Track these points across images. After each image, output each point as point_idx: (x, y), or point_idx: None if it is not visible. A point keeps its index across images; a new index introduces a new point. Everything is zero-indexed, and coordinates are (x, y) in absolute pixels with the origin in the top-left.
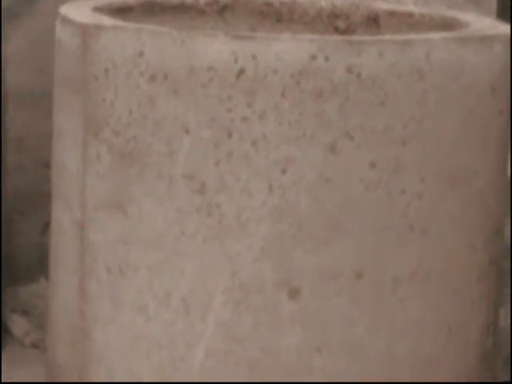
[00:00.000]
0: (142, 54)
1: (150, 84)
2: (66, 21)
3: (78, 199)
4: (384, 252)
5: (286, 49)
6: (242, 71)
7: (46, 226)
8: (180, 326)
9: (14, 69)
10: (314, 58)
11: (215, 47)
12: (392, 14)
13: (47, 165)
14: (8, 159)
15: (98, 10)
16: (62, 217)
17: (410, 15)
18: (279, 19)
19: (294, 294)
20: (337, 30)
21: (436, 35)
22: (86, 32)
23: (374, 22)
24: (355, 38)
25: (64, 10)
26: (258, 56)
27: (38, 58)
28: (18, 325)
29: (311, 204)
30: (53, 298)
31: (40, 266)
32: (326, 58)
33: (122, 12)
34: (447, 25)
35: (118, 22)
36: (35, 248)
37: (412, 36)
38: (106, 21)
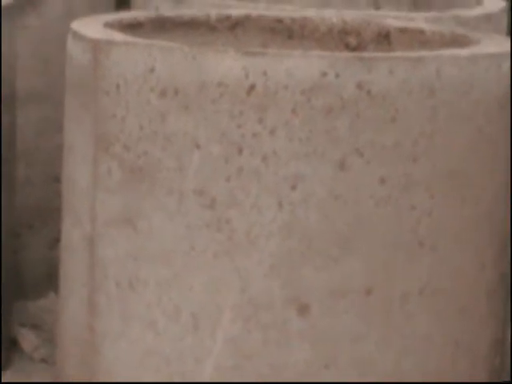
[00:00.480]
0: (152, 70)
1: (161, 99)
2: (77, 36)
3: (88, 214)
4: (393, 268)
5: (297, 65)
6: (252, 87)
7: (55, 240)
8: (189, 341)
9: (23, 81)
10: (324, 74)
11: (226, 63)
12: (403, 30)
13: (57, 179)
14: (17, 173)
15: (109, 25)
16: (71, 231)
17: (421, 32)
18: (290, 36)
19: (303, 310)
20: (347, 47)
21: (446, 52)
22: (97, 47)
23: (384, 38)
24: (366, 54)
25: (75, 25)
26: (269, 72)
27: (49, 71)
28: (27, 339)
29: (321, 220)
30: (62, 312)
31: (49, 280)
32: (337, 75)
33: (132, 28)
34: (458, 42)
35: (129, 38)
36: (44, 262)
37: (423, 53)
38: (117, 36)
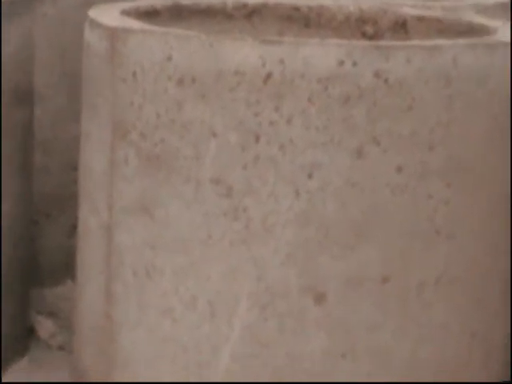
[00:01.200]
0: (169, 58)
1: (178, 88)
2: (95, 24)
3: (105, 202)
4: (410, 257)
5: (314, 54)
6: (269, 75)
7: (73, 228)
8: (206, 329)
9: (40, 72)
10: (341, 63)
11: (243, 51)
12: (420, 19)
13: (74, 167)
14: (35, 162)
15: (126, 13)
16: (88, 219)
17: (438, 21)
18: (307, 24)
19: (319, 299)
20: (364, 35)
21: (463, 41)
22: (115, 35)
23: (401, 27)
24: (383, 43)
25: (92, 13)
26: (286, 60)
27: (66, 59)
28: (44, 327)
29: (337, 209)
30: (79, 300)
31: (66, 268)
32: (354, 63)
33: (149, 16)
34: (475, 31)
35: (146, 26)
36: (62, 250)
37: (440, 42)
38: (135, 24)
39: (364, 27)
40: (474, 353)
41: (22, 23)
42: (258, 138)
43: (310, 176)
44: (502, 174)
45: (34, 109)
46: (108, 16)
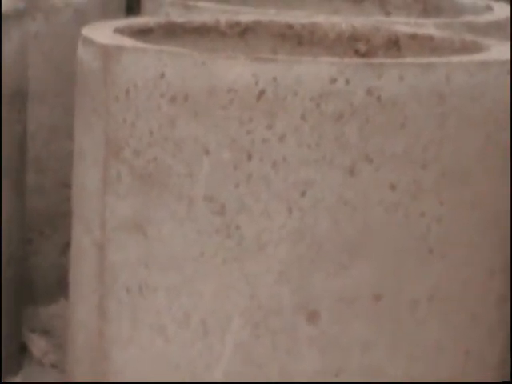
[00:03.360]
0: (162, 76)
1: (171, 105)
2: (88, 42)
3: (97, 220)
4: (403, 275)
5: (307, 71)
6: (262, 93)
7: (66, 246)
8: (198, 347)
9: (34, 88)
10: (334, 80)
11: (236, 69)
12: (413, 37)
13: (67, 185)
14: (27, 179)
15: (120, 31)
16: (81, 237)
17: (431, 38)
18: (300, 42)
19: (312, 317)
20: (357, 53)
21: (456, 59)
22: (108, 53)
23: (394, 44)
24: (375, 60)
25: (85, 31)
26: (279, 78)
27: (59, 77)
28: (37, 345)
29: (330, 227)
30: (72, 318)
31: (59, 286)
32: (347, 81)
33: (142, 33)
34: (467, 48)
35: (139, 44)
36: (55, 268)
37: (432, 59)
38: (128, 42)
39: (356, 45)
40: (469, 371)
41: (15, 39)
42: (250, 156)
43: (302, 194)
44: (496, 191)
45: (27, 125)
46: (101, 34)
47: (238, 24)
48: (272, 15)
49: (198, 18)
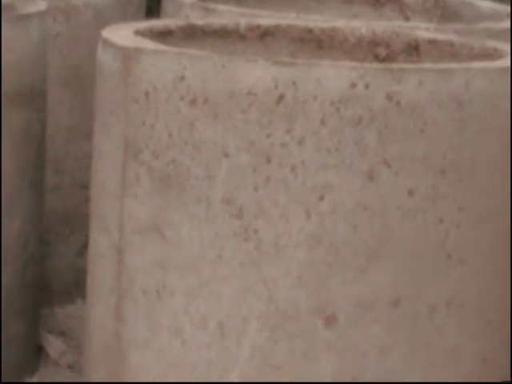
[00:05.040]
0: (182, 78)
1: (190, 108)
2: (108, 44)
3: (116, 221)
4: (421, 280)
5: (327, 75)
6: (281, 97)
7: (84, 247)
8: (215, 350)
9: (54, 89)
10: (354, 85)
11: (256, 72)
12: (432, 42)
13: (85, 186)
14: (46, 180)
15: (140, 33)
16: (99, 239)
17: (451, 44)
18: (319, 46)
19: (329, 321)
20: (377, 58)
21: (476, 65)
22: (128, 55)
23: (414, 50)
24: (395, 65)
25: (105, 33)
26: (298, 82)
27: (78, 78)
28: (53, 346)
29: (348, 231)
30: (89, 319)
31: (76, 287)
32: (366, 86)
33: (163, 36)
34: (487, 54)
35: (160, 46)
36: (72, 269)
37: (452, 65)
38: (148, 44)
39: (376, 50)
40: (485, 376)
41: (32, 40)
42: (269, 160)
43: (321, 198)
44: None
45: (47, 126)
46: (121, 35)
47: (257, 27)
48: (292, 19)
49: (217, 21)
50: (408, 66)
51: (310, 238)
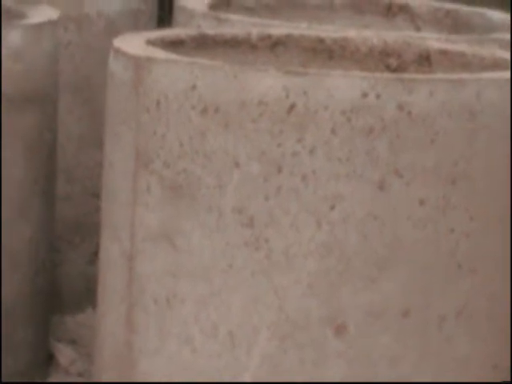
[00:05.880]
0: (194, 88)
1: (202, 117)
2: (119, 53)
3: (127, 230)
4: (431, 290)
5: (338, 85)
6: (292, 106)
7: (94, 255)
8: (226, 359)
9: (65, 98)
10: (365, 95)
11: (267, 82)
12: (444, 52)
13: (95, 195)
14: (57, 189)
15: (151, 42)
16: (110, 247)
17: (462, 54)
18: (331, 56)
19: (339, 330)
20: (388, 68)
21: (487, 75)
22: (139, 64)
23: (425, 60)
24: (406, 76)
25: (117, 42)
26: (310, 92)
27: (90, 87)
28: (64, 354)
29: (359, 241)
30: (100, 327)
31: (87, 295)
32: (378, 96)
33: (174, 45)
34: (498, 65)
35: (171, 55)
36: (82, 277)
37: (463, 75)
38: (159, 54)
39: (388, 60)
40: None
41: (44, 48)
42: (280, 169)
43: (332, 207)
44: None
45: (58, 136)
46: (133, 45)
47: (269, 37)
48: (303, 29)
49: (229, 31)
50: (419, 76)
51: (320, 247)
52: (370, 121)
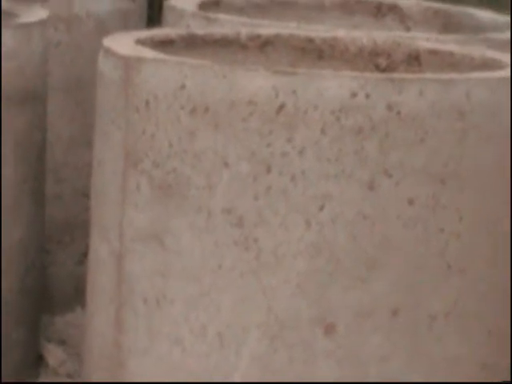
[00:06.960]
0: (183, 87)
1: (191, 117)
2: (109, 53)
3: (116, 230)
4: (420, 290)
5: (327, 85)
6: (282, 106)
7: (83, 255)
8: (215, 359)
9: (54, 98)
10: (354, 94)
11: (256, 82)
12: (433, 52)
13: (85, 195)
14: (46, 189)
15: (141, 42)
16: (99, 247)
17: (451, 54)
18: (320, 55)
19: (329, 330)
20: (377, 68)
21: (476, 75)
22: (128, 64)
23: (415, 60)
24: (396, 75)
25: (107, 41)
26: (299, 91)
27: (79, 87)
28: (53, 354)
29: (348, 240)
30: (89, 328)
31: (76, 295)
32: (367, 95)
33: (163, 45)
34: (487, 65)
35: (160, 55)
36: (72, 278)
37: (453, 75)
38: (148, 53)
39: (377, 60)
40: None
41: (33, 48)
42: (269, 169)
43: (321, 207)
44: None
45: (47, 135)
46: (122, 45)
47: (258, 37)
48: (292, 29)
49: (218, 31)
50: (409, 75)
51: (310, 247)
52: (360, 120)
